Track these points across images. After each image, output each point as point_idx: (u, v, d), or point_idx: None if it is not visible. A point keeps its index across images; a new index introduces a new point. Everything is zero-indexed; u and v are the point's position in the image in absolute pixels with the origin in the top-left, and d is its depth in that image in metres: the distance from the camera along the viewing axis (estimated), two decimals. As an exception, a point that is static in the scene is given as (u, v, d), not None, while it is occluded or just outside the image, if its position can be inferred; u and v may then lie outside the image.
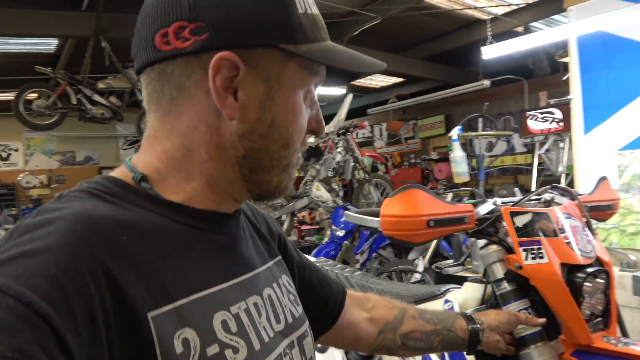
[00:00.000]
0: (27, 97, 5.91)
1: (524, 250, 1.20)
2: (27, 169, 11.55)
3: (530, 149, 7.11)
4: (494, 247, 1.30)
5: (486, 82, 6.94)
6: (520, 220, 1.24)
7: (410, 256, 4.89)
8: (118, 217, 0.52)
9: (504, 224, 1.27)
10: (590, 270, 1.20)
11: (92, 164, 11.82)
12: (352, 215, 1.24)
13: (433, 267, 3.69)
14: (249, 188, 0.61)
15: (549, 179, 4.67)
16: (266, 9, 0.54)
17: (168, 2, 0.54)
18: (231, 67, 0.54)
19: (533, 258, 1.19)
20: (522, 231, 1.23)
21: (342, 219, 5.59)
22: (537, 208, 1.32)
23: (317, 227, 7.60)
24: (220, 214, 0.62)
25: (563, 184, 3.81)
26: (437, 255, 4.55)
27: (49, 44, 7.08)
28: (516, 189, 3.23)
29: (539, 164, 4.21)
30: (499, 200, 1.34)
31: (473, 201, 1.37)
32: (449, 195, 5.50)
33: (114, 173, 0.60)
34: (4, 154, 11.50)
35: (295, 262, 0.86)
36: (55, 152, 11.84)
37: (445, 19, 6.75)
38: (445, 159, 8.91)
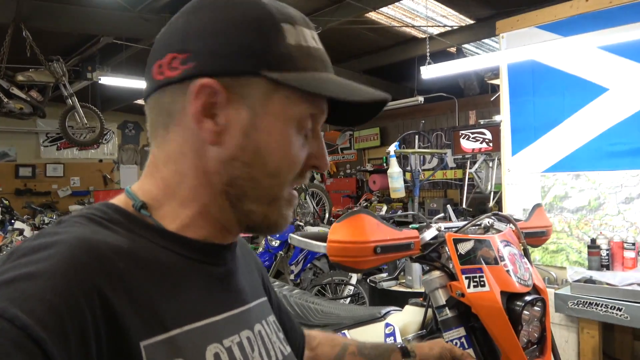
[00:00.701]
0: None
1: (467, 277, 1.20)
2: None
3: (459, 165, 7.42)
4: (436, 273, 1.29)
5: (420, 99, 7.17)
6: (463, 247, 1.25)
7: (344, 268, 4.90)
8: (116, 244, 0.52)
9: (447, 249, 1.27)
10: (528, 298, 1.22)
11: (7, 160, 10.88)
12: (297, 239, 1.18)
13: (368, 280, 3.71)
14: (238, 218, 0.61)
15: (478, 196, 4.88)
16: (250, 38, 0.56)
17: (165, 36, 0.59)
18: (211, 93, 0.56)
19: (475, 286, 1.20)
20: (464, 258, 1.24)
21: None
22: (478, 235, 1.33)
23: (250, 235, 7.46)
24: (216, 245, 0.62)
25: (492, 201, 3.99)
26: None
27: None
28: (448, 206, 3.32)
29: (469, 181, 4.37)
30: (442, 226, 1.34)
31: (417, 226, 1.36)
32: (384, 208, 5.62)
33: (115, 200, 0.61)
34: None
35: (274, 304, 0.84)
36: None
37: (385, 34, 6.92)
38: (379, 170, 9.10)
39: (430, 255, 1.31)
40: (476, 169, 4.06)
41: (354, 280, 4.63)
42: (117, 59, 7.25)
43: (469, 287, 1.20)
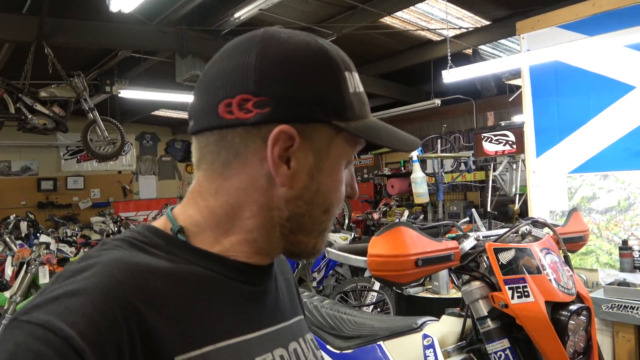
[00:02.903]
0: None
1: (510, 288, 1.18)
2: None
3: (480, 167, 7.34)
4: (477, 284, 1.27)
5: (437, 101, 7.11)
6: (505, 257, 1.23)
7: (367, 274, 4.86)
8: (153, 264, 0.55)
9: (487, 259, 1.25)
10: (573, 307, 1.19)
11: (29, 174, 11.06)
12: (335, 253, 1.17)
13: (393, 286, 3.67)
14: (286, 247, 0.64)
15: (502, 199, 4.82)
16: (323, 88, 0.59)
17: (234, 74, 0.58)
18: (287, 138, 0.58)
19: (519, 297, 1.17)
20: (506, 268, 1.21)
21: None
22: (516, 243, 1.31)
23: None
24: (253, 266, 0.64)
25: (517, 204, 3.93)
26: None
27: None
28: (473, 210, 3.28)
29: (493, 183, 4.32)
30: (480, 235, 1.32)
31: (454, 235, 1.34)
32: (406, 213, 5.58)
33: (156, 223, 0.63)
34: None
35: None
36: (-7, 161, 11.01)
37: (399, 38, 6.89)
38: (397, 174, 9.05)
39: (469, 266, 1.29)
40: (500, 172, 4.00)
41: (377, 286, 4.58)
42: (135, 72, 7.34)
43: (512, 297, 1.18)
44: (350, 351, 1.69)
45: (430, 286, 3.26)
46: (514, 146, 3.85)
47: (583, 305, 1.22)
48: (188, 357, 0.52)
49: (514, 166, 3.96)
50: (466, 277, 1.31)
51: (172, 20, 5.87)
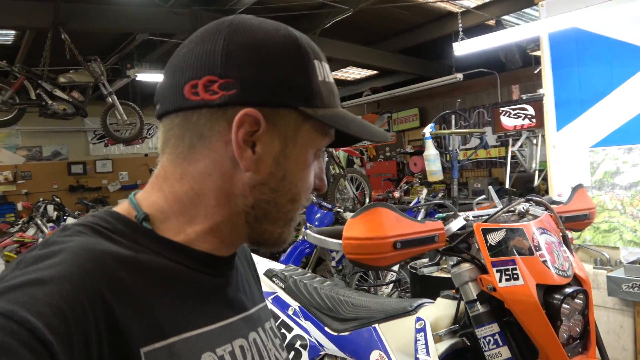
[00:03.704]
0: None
1: (498, 270, 1.12)
2: (-11, 163, 11.08)
3: (503, 142, 7.13)
4: (466, 266, 1.22)
5: (459, 76, 6.90)
6: (494, 238, 1.16)
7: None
8: (119, 253, 0.54)
9: (477, 240, 1.19)
10: (568, 291, 1.12)
11: (60, 159, 11.41)
12: (312, 236, 1.13)
13: (408, 266, 3.62)
14: (250, 235, 0.64)
15: (523, 175, 4.66)
16: (291, 73, 0.59)
17: (201, 57, 0.57)
18: (253, 122, 0.57)
19: (507, 279, 1.11)
20: (495, 249, 1.15)
21: (317, 216, 5.50)
22: (511, 223, 1.24)
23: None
24: (216, 257, 0.63)
25: (537, 180, 3.79)
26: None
27: (6, 36, 6.75)
28: (490, 187, 3.17)
29: (512, 159, 4.18)
30: (470, 215, 1.25)
31: (443, 215, 1.28)
32: (424, 191, 5.47)
33: (118, 209, 0.62)
34: (-36, 149, 11.01)
35: None
36: (20, 147, 11.37)
37: (418, 11, 6.68)
38: (420, 152, 8.90)
39: (459, 247, 1.23)
40: (519, 147, 3.86)
41: (395, 267, 4.54)
42: (154, 55, 7.38)
43: (500, 280, 1.12)
44: (346, 333, 1.67)
45: (445, 265, 3.20)
46: (534, 120, 3.69)
47: (579, 288, 1.15)
48: (153, 348, 0.52)
49: (534, 141, 3.81)
50: (456, 259, 1.25)
51: (186, 2, 5.84)
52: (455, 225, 1.20)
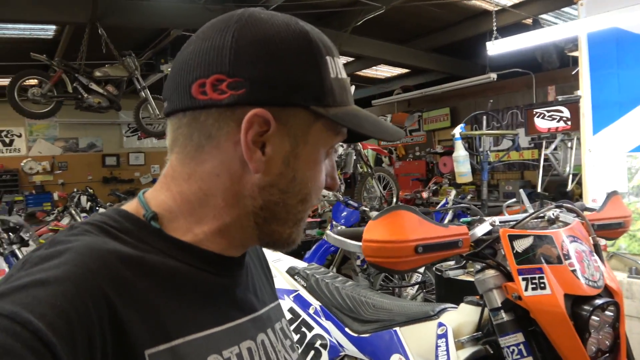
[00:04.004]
0: (25, 84, 5.79)
1: (524, 279, 1.08)
2: (30, 155, 11.48)
3: (537, 145, 6.95)
4: (491, 272, 1.18)
5: (493, 75, 6.76)
6: (521, 245, 1.12)
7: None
8: (125, 253, 0.54)
9: (502, 247, 1.15)
10: (598, 302, 1.08)
11: (95, 150, 11.74)
12: (332, 237, 1.12)
13: (434, 268, 3.57)
14: (260, 236, 0.63)
15: (556, 179, 4.53)
16: (301, 71, 0.57)
17: (209, 54, 0.56)
18: (262, 122, 0.56)
19: (534, 288, 1.07)
20: (522, 257, 1.11)
21: (343, 214, 5.47)
22: (539, 230, 1.20)
23: (318, 220, 7.48)
24: (225, 258, 0.63)
25: (570, 184, 3.67)
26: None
27: (47, 30, 6.96)
28: (521, 190, 3.08)
29: (546, 162, 4.06)
30: (497, 220, 1.21)
31: (469, 219, 1.25)
32: (453, 192, 5.38)
33: (127, 207, 0.61)
34: (7, 140, 11.43)
35: None
36: (58, 138, 11.75)
37: (452, 9, 6.56)
38: (450, 152, 8.76)
39: (484, 253, 1.20)
40: (552, 150, 3.74)
41: (421, 269, 4.48)
42: (187, 51, 7.48)
43: (526, 289, 1.08)
44: (367, 335, 1.65)
45: (472, 269, 3.14)
46: (569, 123, 3.57)
47: (610, 300, 1.10)
48: (157, 351, 0.51)
49: (569, 144, 3.69)
50: (481, 264, 1.22)
51: (219, -2, 5.90)
52: (481, 230, 1.16)
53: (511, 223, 1.22)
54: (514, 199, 3.51)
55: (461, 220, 1.22)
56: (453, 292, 3.09)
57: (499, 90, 8.31)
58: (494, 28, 4.12)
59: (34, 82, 5.92)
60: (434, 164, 9.73)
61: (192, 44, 0.58)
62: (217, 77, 0.55)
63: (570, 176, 3.67)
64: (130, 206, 0.61)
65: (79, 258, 0.50)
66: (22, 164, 11.27)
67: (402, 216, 1.03)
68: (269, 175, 0.58)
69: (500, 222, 1.21)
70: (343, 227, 5.26)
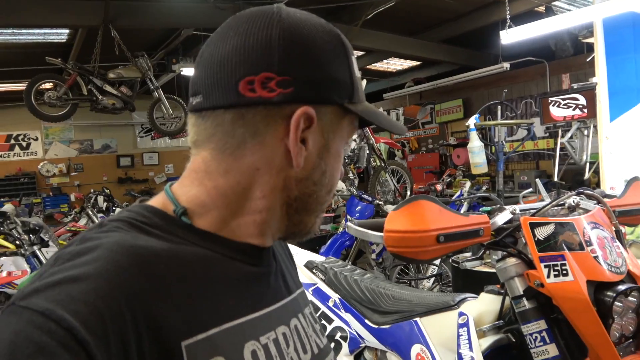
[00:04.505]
0: (41, 88, 5.89)
1: (546, 266, 1.09)
2: (47, 157, 11.65)
3: (552, 134, 6.87)
4: (512, 261, 1.18)
5: (506, 65, 6.69)
6: (542, 232, 1.12)
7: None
8: (156, 248, 0.54)
9: (523, 235, 1.15)
10: (621, 288, 1.07)
11: (109, 151, 11.88)
12: (354, 228, 1.13)
13: (450, 260, 3.56)
14: (287, 226, 0.65)
15: (572, 168, 4.48)
16: (339, 70, 0.60)
17: (255, 52, 0.56)
18: (307, 119, 0.58)
19: (556, 275, 1.07)
20: (543, 244, 1.11)
21: (357, 208, 5.47)
22: (560, 217, 1.19)
23: (332, 214, 7.49)
24: (256, 247, 0.64)
25: (587, 173, 3.64)
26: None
27: (60, 34, 7.05)
28: (537, 180, 3.06)
29: (561, 151, 4.02)
30: (517, 208, 1.21)
31: (489, 208, 1.25)
32: (467, 184, 5.35)
33: (154, 202, 0.61)
34: (24, 143, 11.61)
35: None
36: (73, 140, 11.91)
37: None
38: (464, 144, 8.70)
39: (505, 241, 1.20)
40: (569, 138, 3.71)
41: (437, 261, 4.47)
42: (198, 50, 7.52)
43: (548, 276, 1.08)
44: (387, 326, 1.66)
45: (489, 260, 3.12)
46: (585, 110, 3.53)
47: (633, 285, 1.10)
48: (194, 341, 0.51)
49: (585, 132, 3.65)
50: (502, 253, 1.22)
51: (229, -4, 5.92)
52: (502, 218, 1.16)
53: (532, 211, 1.22)
54: (530, 189, 3.49)
55: (481, 209, 1.23)
56: (470, 284, 3.08)
57: (513, 80, 8.23)
58: (508, 16, 4.08)
59: (49, 85, 6.02)
60: (448, 156, 9.68)
61: (231, 38, 0.58)
62: (266, 75, 0.56)
63: (587, 164, 3.63)
64: (157, 201, 0.61)
65: (110, 255, 0.50)
66: (39, 166, 11.45)
67: (423, 206, 1.04)
68: (306, 169, 0.61)
69: (520, 211, 1.21)
70: (359, 220, 5.25)
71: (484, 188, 5.58)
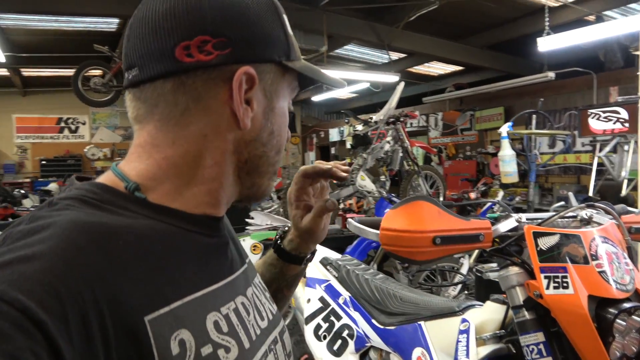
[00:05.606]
0: (88, 74, 6.14)
1: (546, 277, 1.06)
2: (93, 141, 12.14)
3: (594, 147, 6.62)
4: (514, 269, 1.16)
5: (551, 74, 6.50)
6: (546, 242, 1.10)
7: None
8: (112, 224, 0.52)
9: (527, 243, 1.13)
10: (625, 306, 1.04)
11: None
12: (353, 224, 1.14)
13: (474, 269, 3.50)
14: (241, 191, 0.65)
15: (610, 183, 4.31)
16: (273, 28, 0.61)
17: (187, 15, 0.56)
18: (249, 79, 0.59)
19: (556, 287, 1.05)
20: (546, 255, 1.09)
21: (386, 211, 5.44)
22: (568, 229, 1.16)
23: (363, 215, 7.46)
24: (211, 218, 0.63)
25: (625, 190, 3.49)
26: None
27: (110, 23, 7.32)
28: (570, 194, 2.96)
29: (600, 165, 3.87)
30: (523, 217, 1.19)
31: (496, 215, 1.23)
32: (500, 194, 5.23)
33: (102, 180, 0.59)
34: (73, 127, 12.14)
35: None
36: (118, 126, 12.35)
37: (509, 5, 6.36)
38: (502, 153, 8.49)
39: (508, 249, 1.18)
40: (607, 153, 3.57)
41: (464, 269, 4.41)
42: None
43: (547, 287, 1.06)
44: (392, 328, 1.65)
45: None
46: (626, 124, 3.39)
47: (638, 304, 1.06)
48: (158, 315, 0.50)
49: (625, 147, 3.50)
50: (504, 261, 1.20)
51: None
52: (505, 226, 1.14)
53: (537, 221, 1.19)
54: (562, 203, 3.38)
55: (486, 215, 1.21)
56: (492, 293, 3.02)
57: (558, 90, 7.97)
58: (547, 23, 3.96)
59: (96, 72, 6.26)
60: (485, 164, 9.48)
61: (157, 5, 0.57)
62: (201, 38, 0.55)
63: (625, 181, 3.49)
64: (105, 179, 0.59)
65: (65, 233, 0.48)
66: (85, 150, 11.94)
67: (422, 206, 1.03)
68: (254, 130, 0.61)
69: (527, 219, 1.19)
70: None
71: (516, 199, 5.44)
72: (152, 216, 0.56)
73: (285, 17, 0.64)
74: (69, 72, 6.61)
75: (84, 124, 12.15)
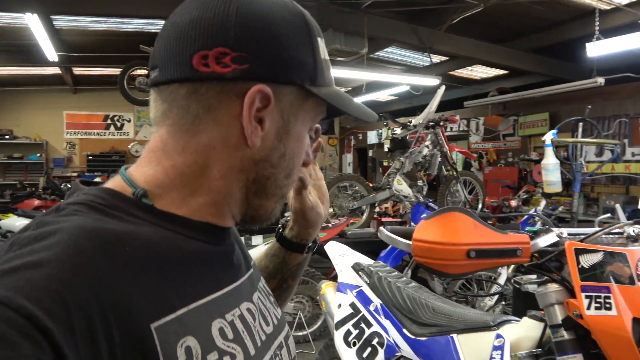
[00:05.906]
0: (133, 74, 6.33)
1: (587, 296, 1.01)
2: (137, 139, 12.50)
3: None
4: (553, 287, 1.12)
5: (600, 80, 6.22)
6: (588, 260, 1.05)
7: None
8: (119, 230, 0.52)
9: (567, 260, 1.08)
10: (673, 331, 0.98)
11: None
12: (385, 233, 1.12)
13: (513, 280, 3.39)
14: (246, 210, 0.65)
15: (661, 196, 4.08)
16: (300, 51, 0.59)
17: (211, 26, 0.56)
18: (263, 98, 0.58)
19: (597, 308, 1.00)
20: (588, 273, 1.04)
21: (422, 216, 5.37)
22: (613, 246, 1.10)
23: (399, 220, 7.38)
24: (218, 227, 0.63)
25: (678, 203, 3.29)
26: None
27: (157, 25, 7.52)
28: (617, 205, 2.83)
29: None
30: (565, 232, 1.14)
31: (536, 228, 1.18)
32: (542, 203, 5.06)
33: (111, 185, 0.59)
34: (118, 124, 12.55)
35: None
36: (161, 125, 12.66)
37: (558, 7, 6.14)
38: (545, 160, 8.21)
39: (548, 265, 1.13)
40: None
41: (502, 279, 4.28)
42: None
43: (589, 308, 1.00)
44: (424, 339, 1.62)
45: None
46: (682, 135, 3.20)
47: (689, 330, 0.99)
48: (164, 322, 0.50)
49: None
50: (544, 277, 1.15)
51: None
52: (545, 241, 1.10)
53: (581, 236, 1.14)
54: (609, 214, 3.24)
55: (525, 229, 1.16)
56: (531, 307, 2.92)
57: (607, 96, 7.64)
58: (597, 27, 3.79)
59: (141, 72, 6.45)
60: (528, 171, 9.19)
61: (189, 12, 0.57)
62: (221, 50, 0.55)
63: (679, 194, 3.29)
64: (114, 184, 0.59)
65: (72, 239, 0.48)
66: (129, 146, 12.32)
67: (456, 218, 1.00)
68: (264, 150, 0.60)
69: (568, 235, 1.14)
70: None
71: (559, 209, 5.24)
72: (158, 223, 0.57)
73: (319, 40, 0.62)
74: (117, 71, 6.85)
75: (129, 121, 12.53)
